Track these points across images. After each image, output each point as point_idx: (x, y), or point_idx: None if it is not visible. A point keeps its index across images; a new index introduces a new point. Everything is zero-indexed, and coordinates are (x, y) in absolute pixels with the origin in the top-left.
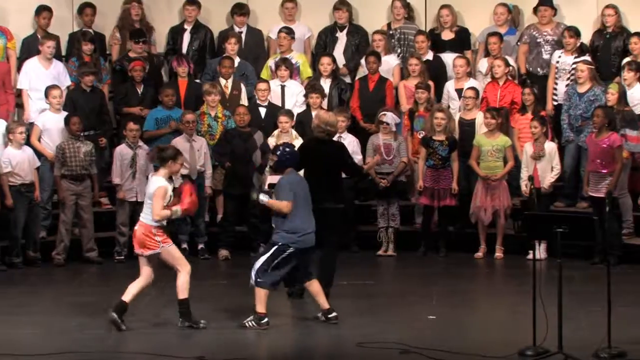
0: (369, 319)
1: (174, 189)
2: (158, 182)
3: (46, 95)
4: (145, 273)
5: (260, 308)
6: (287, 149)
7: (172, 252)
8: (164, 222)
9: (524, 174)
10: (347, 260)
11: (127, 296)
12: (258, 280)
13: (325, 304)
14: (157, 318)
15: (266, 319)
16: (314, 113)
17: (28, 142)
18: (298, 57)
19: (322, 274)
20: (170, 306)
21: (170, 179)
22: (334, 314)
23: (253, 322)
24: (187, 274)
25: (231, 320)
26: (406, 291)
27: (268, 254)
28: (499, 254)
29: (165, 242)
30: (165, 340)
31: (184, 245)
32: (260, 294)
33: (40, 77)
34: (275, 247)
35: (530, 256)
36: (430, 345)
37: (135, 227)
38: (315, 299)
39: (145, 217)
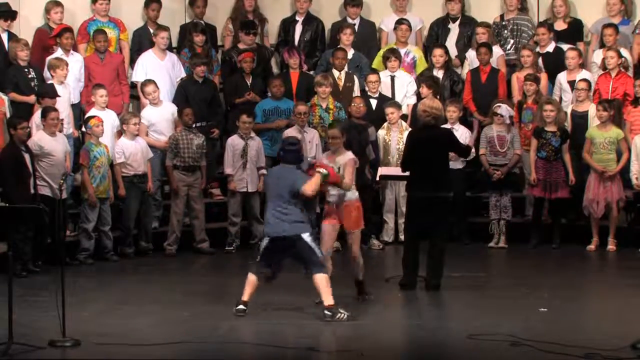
0: (480, 311)
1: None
2: None
3: (142, 91)
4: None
5: (244, 295)
6: (285, 145)
7: (323, 231)
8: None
9: (634, 167)
10: (458, 252)
11: (358, 274)
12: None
13: (326, 300)
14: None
15: (240, 307)
16: None
17: None
18: (415, 52)
19: (430, 265)
20: (284, 296)
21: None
22: (327, 312)
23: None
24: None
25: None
26: (517, 283)
27: None
28: (611, 246)
29: (326, 221)
30: (277, 330)
31: None
32: (248, 280)
33: (156, 69)
34: None
35: None
36: (542, 338)
37: None
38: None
39: None
